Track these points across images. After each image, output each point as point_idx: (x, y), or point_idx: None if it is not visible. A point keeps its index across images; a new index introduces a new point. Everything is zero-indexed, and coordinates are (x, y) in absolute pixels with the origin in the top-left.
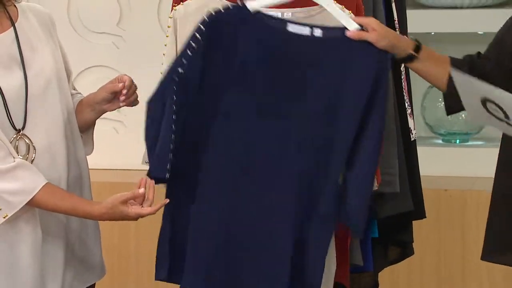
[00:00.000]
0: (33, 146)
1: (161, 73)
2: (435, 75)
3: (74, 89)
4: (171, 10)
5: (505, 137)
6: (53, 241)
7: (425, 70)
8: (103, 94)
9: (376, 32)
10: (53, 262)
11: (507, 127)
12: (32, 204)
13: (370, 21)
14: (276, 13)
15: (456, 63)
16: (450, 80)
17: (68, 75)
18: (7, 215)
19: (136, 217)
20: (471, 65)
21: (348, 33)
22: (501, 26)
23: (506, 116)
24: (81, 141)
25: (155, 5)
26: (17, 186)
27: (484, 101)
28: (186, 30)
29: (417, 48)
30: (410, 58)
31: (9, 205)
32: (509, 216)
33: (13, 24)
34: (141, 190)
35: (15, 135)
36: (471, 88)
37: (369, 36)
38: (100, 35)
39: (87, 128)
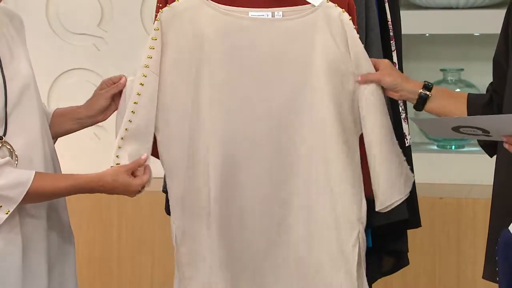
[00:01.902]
0: (15, 153)
1: (144, 75)
2: (455, 113)
3: None
4: (156, 11)
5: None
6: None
7: (445, 110)
8: (100, 102)
9: (381, 71)
10: (31, 278)
11: (485, 138)
12: (30, 194)
13: (379, 61)
14: (266, 12)
15: (474, 99)
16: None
17: None
18: (9, 211)
19: (139, 187)
20: (490, 100)
21: (358, 80)
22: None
23: (485, 131)
24: (53, 144)
25: (137, 5)
26: (12, 180)
27: (457, 128)
28: (172, 33)
29: (427, 87)
30: (423, 99)
31: (9, 200)
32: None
33: None
34: (144, 157)
35: None
36: (439, 125)
37: (374, 76)
38: (80, 37)
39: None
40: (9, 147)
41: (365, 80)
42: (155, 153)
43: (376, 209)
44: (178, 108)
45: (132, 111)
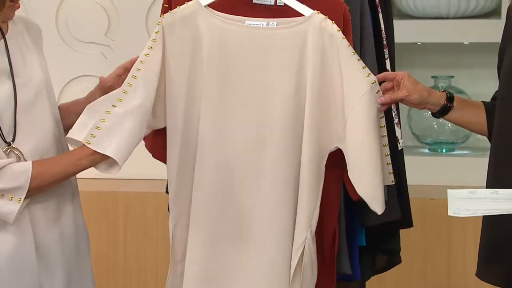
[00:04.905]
0: (24, 158)
1: (138, 69)
2: (475, 122)
3: None
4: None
5: (493, 150)
6: (48, 254)
7: (464, 120)
8: (110, 79)
9: (406, 87)
10: (49, 276)
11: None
12: (34, 181)
13: (400, 75)
14: (262, 22)
15: (490, 107)
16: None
17: None
18: (20, 199)
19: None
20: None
21: (380, 101)
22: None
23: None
24: (68, 148)
25: (143, 15)
26: (13, 172)
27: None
28: (172, 37)
29: (450, 99)
30: (446, 110)
31: (17, 189)
32: (498, 233)
33: (3, 36)
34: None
35: (5, 149)
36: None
37: (400, 94)
38: (88, 45)
39: None
40: (17, 152)
41: (390, 99)
42: (159, 156)
43: (380, 212)
44: (176, 107)
45: (118, 99)
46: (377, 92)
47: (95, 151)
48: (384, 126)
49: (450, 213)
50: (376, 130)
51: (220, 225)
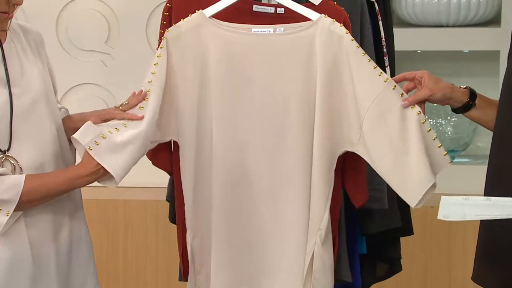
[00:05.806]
0: (20, 166)
1: (148, 90)
2: (494, 119)
3: (59, 103)
4: (160, 28)
5: (493, 155)
6: (43, 261)
7: (484, 118)
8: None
9: (428, 87)
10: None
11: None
12: (25, 196)
13: (421, 73)
14: (268, 29)
15: None
16: None
17: (54, 91)
18: (9, 212)
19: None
20: None
21: (403, 104)
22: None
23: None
24: (71, 157)
25: (143, 23)
26: (5, 184)
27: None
28: (177, 51)
29: (473, 96)
30: (467, 107)
31: (7, 202)
32: (494, 237)
33: (0, 45)
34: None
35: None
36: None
37: (423, 94)
38: (88, 53)
39: None
40: (12, 161)
41: (414, 101)
42: (159, 164)
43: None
44: (188, 120)
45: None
46: (393, 88)
47: (95, 170)
48: (420, 113)
49: (439, 216)
50: (399, 125)
51: (242, 232)
